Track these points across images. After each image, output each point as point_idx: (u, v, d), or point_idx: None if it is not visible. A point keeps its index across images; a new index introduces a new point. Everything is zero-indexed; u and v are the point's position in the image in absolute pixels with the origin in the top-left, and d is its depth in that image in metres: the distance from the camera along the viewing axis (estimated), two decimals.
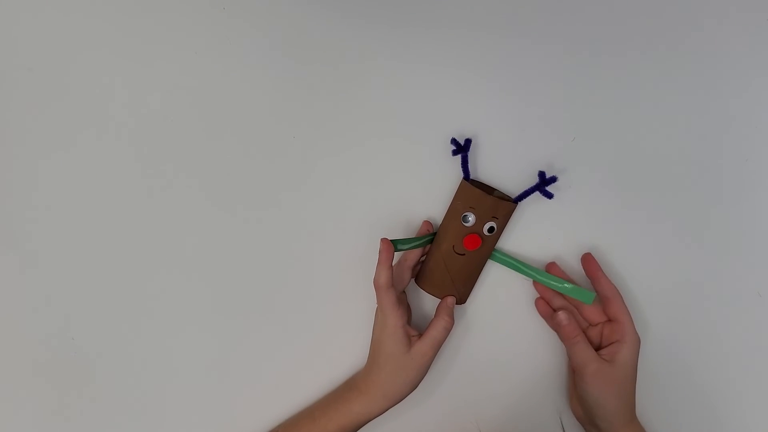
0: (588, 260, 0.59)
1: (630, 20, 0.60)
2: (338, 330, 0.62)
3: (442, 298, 0.59)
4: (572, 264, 0.61)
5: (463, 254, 0.58)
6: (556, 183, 0.58)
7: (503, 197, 0.59)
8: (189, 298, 0.62)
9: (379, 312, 0.57)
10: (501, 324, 0.62)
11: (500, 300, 0.61)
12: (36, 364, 0.62)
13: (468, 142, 0.58)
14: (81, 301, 0.62)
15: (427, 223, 0.59)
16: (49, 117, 0.60)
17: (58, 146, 0.60)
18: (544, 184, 0.58)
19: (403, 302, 0.58)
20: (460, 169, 0.59)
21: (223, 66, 0.60)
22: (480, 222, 0.57)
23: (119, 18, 0.60)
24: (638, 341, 0.56)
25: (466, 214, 0.57)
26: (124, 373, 0.62)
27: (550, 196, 0.58)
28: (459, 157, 0.59)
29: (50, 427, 0.62)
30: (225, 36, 0.60)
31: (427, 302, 0.62)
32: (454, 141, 0.59)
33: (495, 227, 0.57)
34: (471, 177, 0.59)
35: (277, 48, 0.60)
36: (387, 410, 0.57)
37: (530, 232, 0.61)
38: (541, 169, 0.58)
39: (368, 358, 0.59)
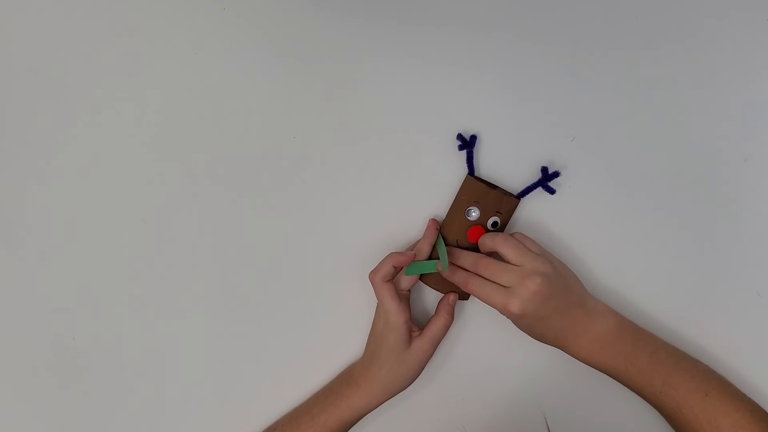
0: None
1: (630, 20, 0.60)
2: (337, 327, 0.62)
3: (444, 294, 0.59)
4: (572, 260, 0.61)
5: (467, 248, 0.58)
6: (556, 180, 0.59)
7: (506, 193, 0.59)
8: (189, 297, 0.62)
9: (381, 307, 0.57)
10: (496, 324, 0.62)
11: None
12: (37, 364, 0.61)
13: (473, 138, 0.59)
14: (82, 301, 0.61)
15: (434, 221, 0.59)
16: (49, 117, 0.60)
17: (58, 146, 0.60)
18: (546, 179, 0.59)
19: (405, 298, 0.58)
20: (465, 165, 0.59)
21: (223, 66, 0.60)
22: (484, 216, 0.58)
23: (119, 18, 0.60)
24: (520, 291, 0.53)
25: (470, 208, 0.58)
26: (124, 371, 0.62)
27: (552, 191, 0.59)
28: (463, 154, 0.59)
29: (51, 427, 0.62)
30: (225, 36, 0.60)
31: (428, 298, 0.62)
32: (460, 137, 0.59)
33: (498, 222, 0.58)
34: (475, 174, 0.60)
35: (278, 47, 0.60)
36: (384, 402, 0.58)
37: (532, 229, 0.61)
38: (544, 165, 0.59)
39: (366, 351, 0.59)
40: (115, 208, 0.61)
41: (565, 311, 0.55)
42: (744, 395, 0.56)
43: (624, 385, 0.57)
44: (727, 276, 0.61)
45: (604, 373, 0.57)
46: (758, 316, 0.61)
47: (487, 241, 0.57)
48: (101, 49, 0.60)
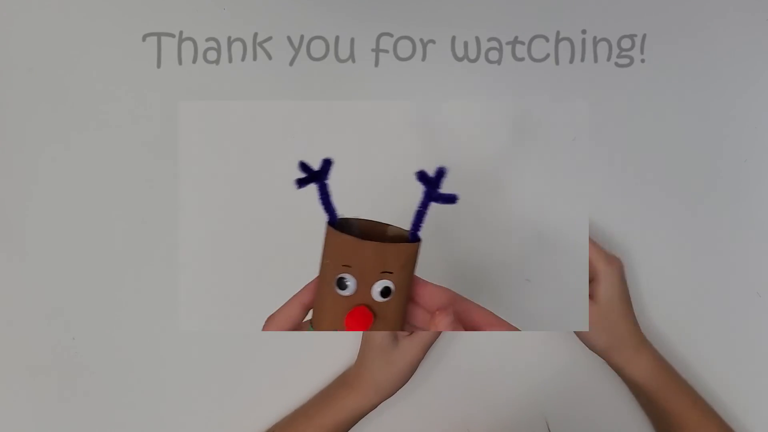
0: None
1: (629, 20, 0.60)
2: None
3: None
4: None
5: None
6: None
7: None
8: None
9: None
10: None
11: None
12: (36, 364, 0.61)
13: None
14: (82, 301, 0.61)
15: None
16: (49, 117, 0.60)
17: (58, 146, 0.60)
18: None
19: None
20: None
21: (223, 65, 0.60)
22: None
23: (119, 18, 0.60)
24: (614, 271, 0.54)
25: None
26: (123, 372, 0.62)
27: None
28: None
29: (51, 427, 0.62)
30: (225, 36, 0.60)
31: None
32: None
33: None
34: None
35: (278, 48, 0.60)
36: (380, 404, 0.57)
37: None
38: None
39: (359, 353, 0.59)
40: (115, 208, 0.61)
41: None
42: None
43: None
44: (727, 276, 0.61)
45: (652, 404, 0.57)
46: (758, 316, 0.61)
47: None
48: (101, 49, 0.60)
